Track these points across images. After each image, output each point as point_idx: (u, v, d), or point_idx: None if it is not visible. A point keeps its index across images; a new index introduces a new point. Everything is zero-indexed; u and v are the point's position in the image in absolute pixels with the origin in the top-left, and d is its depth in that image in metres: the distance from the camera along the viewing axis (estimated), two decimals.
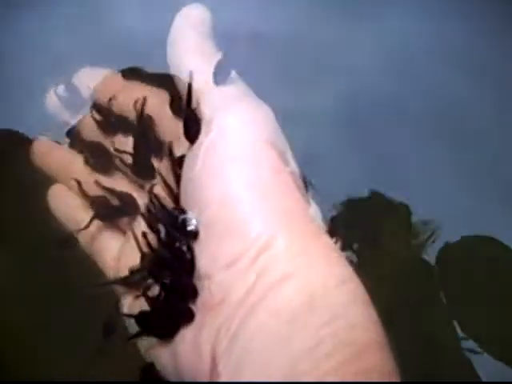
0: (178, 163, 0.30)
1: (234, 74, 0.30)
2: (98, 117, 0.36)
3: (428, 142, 0.48)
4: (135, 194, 0.34)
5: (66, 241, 0.36)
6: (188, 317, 0.27)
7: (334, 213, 0.41)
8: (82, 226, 0.35)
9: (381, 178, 0.45)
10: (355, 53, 0.50)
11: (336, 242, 0.27)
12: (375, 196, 0.44)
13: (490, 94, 0.49)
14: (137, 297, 0.29)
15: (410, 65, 0.50)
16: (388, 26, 0.51)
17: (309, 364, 0.23)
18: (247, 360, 0.24)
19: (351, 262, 0.26)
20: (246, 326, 0.24)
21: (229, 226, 0.26)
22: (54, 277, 0.39)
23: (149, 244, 0.30)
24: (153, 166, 0.34)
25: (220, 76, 0.30)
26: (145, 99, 0.34)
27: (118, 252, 0.34)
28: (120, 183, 0.35)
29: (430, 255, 0.44)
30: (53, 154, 0.38)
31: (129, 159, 0.34)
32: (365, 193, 0.44)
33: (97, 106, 0.36)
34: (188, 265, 0.27)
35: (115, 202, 0.34)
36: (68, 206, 0.36)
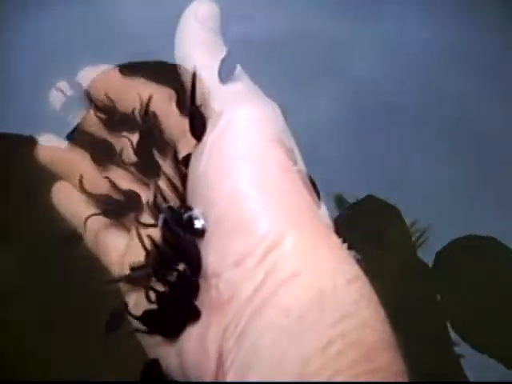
0: (183, 161, 0.30)
1: (239, 70, 0.30)
2: (101, 114, 0.36)
3: (429, 142, 0.48)
4: (139, 192, 0.34)
5: (71, 238, 0.36)
6: (194, 315, 0.27)
7: (337, 213, 0.41)
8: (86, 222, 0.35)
9: (381, 179, 0.45)
10: (356, 53, 0.50)
11: (343, 242, 0.27)
12: (375, 197, 0.44)
13: (493, 93, 0.49)
14: (146, 292, 0.29)
15: (411, 65, 0.50)
16: (389, 26, 0.52)
17: (320, 363, 0.23)
18: (256, 357, 0.24)
19: (358, 262, 0.26)
20: (255, 323, 0.24)
21: (237, 224, 0.26)
22: (58, 275, 0.39)
23: (153, 242, 0.30)
24: (158, 163, 0.34)
25: (225, 73, 0.29)
26: (150, 96, 0.34)
27: (124, 250, 0.34)
28: (124, 181, 0.35)
29: (429, 255, 0.44)
30: (57, 152, 0.37)
31: (133, 157, 0.34)
32: (366, 193, 0.44)
33: (100, 103, 0.36)
34: (195, 263, 0.27)
35: (120, 198, 0.34)
36: (72, 203, 0.36)
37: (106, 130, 0.36)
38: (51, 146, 0.37)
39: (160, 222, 0.29)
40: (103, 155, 0.36)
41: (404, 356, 0.25)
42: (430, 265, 0.44)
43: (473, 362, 0.40)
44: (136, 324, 0.30)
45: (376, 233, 0.43)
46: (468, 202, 0.45)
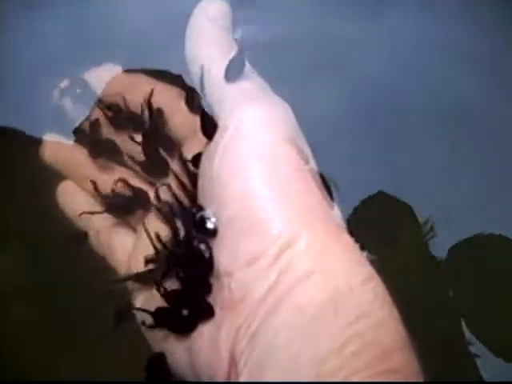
0: (193, 160, 0.30)
1: (250, 68, 0.30)
2: (109, 113, 0.35)
3: (436, 140, 0.48)
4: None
5: (76, 237, 0.35)
6: (208, 313, 0.26)
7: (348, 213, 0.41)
8: (92, 222, 0.34)
9: (388, 176, 0.45)
10: (360, 52, 0.50)
11: (356, 242, 0.27)
12: (385, 195, 0.44)
13: (495, 92, 0.49)
14: (157, 289, 0.29)
15: (417, 63, 0.50)
16: (392, 24, 0.52)
17: (336, 363, 0.23)
18: (272, 357, 0.24)
19: (371, 262, 0.26)
20: (269, 323, 0.24)
21: (249, 224, 0.26)
22: (62, 274, 0.39)
23: (161, 241, 0.30)
24: (166, 163, 0.33)
25: (233, 72, 0.29)
26: (151, 91, 0.33)
27: (130, 249, 0.33)
28: (130, 180, 0.35)
29: (441, 252, 0.44)
30: (62, 152, 0.37)
31: (140, 156, 0.34)
32: (373, 191, 0.44)
33: (107, 103, 0.36)
34: (206, 262, 0.27)
35: (127, 197, 0.34)
36: (77, 203, 0.36)
37: (113, 128, 0.36)
38: (56, 143, 0.37)
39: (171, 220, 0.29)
40: (108, 154, 0.36)
41: (419, 356, 0.25)
42: (443, 262, 0.43)
43: (489, 361, 0.40)
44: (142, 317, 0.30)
45: (387, 231, 0.43)
46: (479, 199, 0.45)
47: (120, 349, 0.37)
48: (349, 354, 0.23)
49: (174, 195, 0.31)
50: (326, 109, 0.47)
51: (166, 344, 0.29)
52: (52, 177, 0.37)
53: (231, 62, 0.29)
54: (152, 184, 0.35)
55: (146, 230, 0.31)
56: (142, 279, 0.31)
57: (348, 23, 0.49)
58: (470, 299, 0.42)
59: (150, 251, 0.31)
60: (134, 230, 0.35)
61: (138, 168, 0.35)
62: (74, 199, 0.36)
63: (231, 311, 0.26)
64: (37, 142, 0.37)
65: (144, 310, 0.29)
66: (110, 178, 0.35)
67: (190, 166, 0.31)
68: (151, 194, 0.34)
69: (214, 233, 0.27)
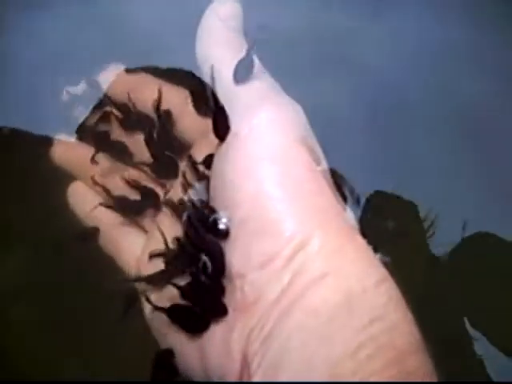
0: (205, 162, 0.30)
1: (261, 68, 0.30)
2: (118, 114, 0.35)
3: (436, 138, 0.48)
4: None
5: (84, 236, 0.35)
6: (221, 312, 0.26)
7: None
8: (101, 222, 0.34)
9: (389, 176, 0.45)
10: (361, 51, 0.50)
11: (368, 243, 0.27)
12: (385, 194, 0.44)
13: (497, 92, 0.49)
14: (177, 288, 0.29)
15: (418, 61, 0.50)
16: (393, 24, 0.52)
17: (351, 366, 0.23)
18: (285, 358, 0.24)
19: (384, 263, 0.26)
20: (283, 325, 0.24)
21: (262, 226, 0.26)
22: (69, 275, 0.39)
23: (178, 240, 0.29)
24: (176, 164, 0.33)
25: (242, 73, 0.29)
26: (160, 93, 0.33)
27: (140, 250, 0.33)
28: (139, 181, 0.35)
29: (442, 251, 0.44)
30: (72, 152, 0.37)
31: (150, 157, 0.34)
32: (376, 188, 0.44)
33: (115, 103, 0.35)
34: (218, 263, 0.27)
35: (137, 197, 0.34)
36: (87, 204, 0.36)
37: (122, 129, 0.36)
38: (66, 143, 0.37)
39: (184, 220, 0.29)
40: (117, 156, 0.36)
41: (432, 357, 0.25)
42: (444, 260, 0.43)
43: (494, 359, 0.40)
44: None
45: (394, 230, 0.43)
46: (483, 200, 0.45)
47: (124, 349, 0.37)
48: (363, 357, 0.23)
49: (187, 196, 0.31)
50: (326, 106, 0.47)
51: (177, 343, 0.29)
52: (62, 178, 0.37)
53: (240, 62, 0.29)
54: (162, 185, 0.35)
55: (161, 231, 0.31)
56: (155, 280, 0.31)
57: (349, 21, 0.50)
58: (472, 297, 0.42)
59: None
60: (144, 230, 0.35)
61: (147, 169, 0.35)
62: (85, 200, 0.36)
63: (244, 312, 0.26)
64: (47, 143, 0.37)
65: (157, 308, 0.29)
66: (119, 179, 0.35)
67: (201, 167, 0.31)
68: (161, 195, 0.34)
69: (226, 234, 0.27)
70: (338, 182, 0.29)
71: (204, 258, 0.27)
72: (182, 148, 0.34)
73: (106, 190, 0.35)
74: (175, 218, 0.31)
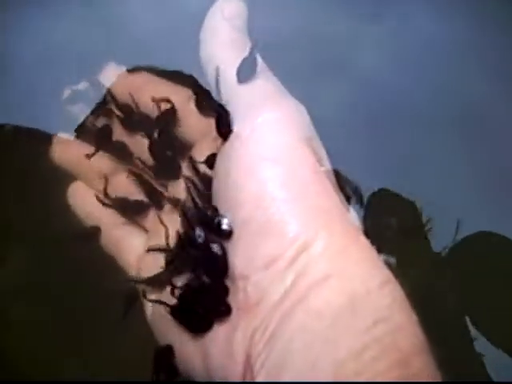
0: (208, 162, 0.30)
1: (265, 68, 0.30)
2: (120, 114, 0.35)
3: (441, 140, 0.48)
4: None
5: (85, 236, 0.35)
6: (225, 312, 0.26)
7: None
8: (101, 222, 0.34)
9: (395, 177, 0.45)
10: (361, 52, 0.50)
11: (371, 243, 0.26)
12: (393, 194, 0.44)
13: (499, 91, 0.49)
14: (172, 291, 0.29)
15: (417, 62, 0.50)
16: (393, 24, 0.52)
17: (355, 368, 0.23)
18: (289, 360, 0.24)
19: (388, 265, 0.26)
20: (286, 326, 0.24)
21: (265, 226, 0.26)
22: (71, 274, 0.39)
23: (181, 240, 0.29)
24: (178, 165, 0.33)
25: (245, 72, 0.29)
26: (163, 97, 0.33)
27: (141, 250, 0.33)
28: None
29: (442, 251, 0.44)
30: (72, 151, 0.37)
31: (150, 158, 0.34)
32: (383, 190, 0.44)
33: (118, 103, 0.35)
34: (221, 265, 0.27)
35: (138, 197, 0.34)
36: (88, 203, 0.35)
37: (123, 129, 0.35)
38: (66, 143, 0.37)
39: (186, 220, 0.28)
40: (118, 156, 0.36)
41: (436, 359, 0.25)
42: (444, 260, 0.43)
43: (496, 359, 0.40)
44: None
45: (396, 229, 0.43)
46: (483, 199, 0.45)
47: (124, 349, 0.37)
48: (367, 359, 0.23)
49: (190, 196, 0.30)
50: (326, 109, 0.47)
51: (179, 343, 0.29)
52: (62, 177, 0.36)
53: (243, 62, 0.29)
54: (163, 185, 0.34)
55: (165, 227, 0.31)
56: (155, 281, 0.31)
57: (348, 23, 0.49)
58: (473, 296, 0.42)
59: (162, 253, 0.31)
60: (145, 229, 0.34)
61: (148, 170, 0.35)
62: (85, 200, 0.36)
63: (247, 313, 0.26)
64: (48, 143, 0.37)
65: (162, 303, 0.29)
66: (121, 179, 0.35)
67: (203, 167, 0.31)
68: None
69: (229, 234, 0.27)
70: (341, 182, 0.28)
71: (205, 258, 0.27)
72: (183, 148, 0.34)
73: (106, 192, 0.35)
74: (177, 217, 0.31)
